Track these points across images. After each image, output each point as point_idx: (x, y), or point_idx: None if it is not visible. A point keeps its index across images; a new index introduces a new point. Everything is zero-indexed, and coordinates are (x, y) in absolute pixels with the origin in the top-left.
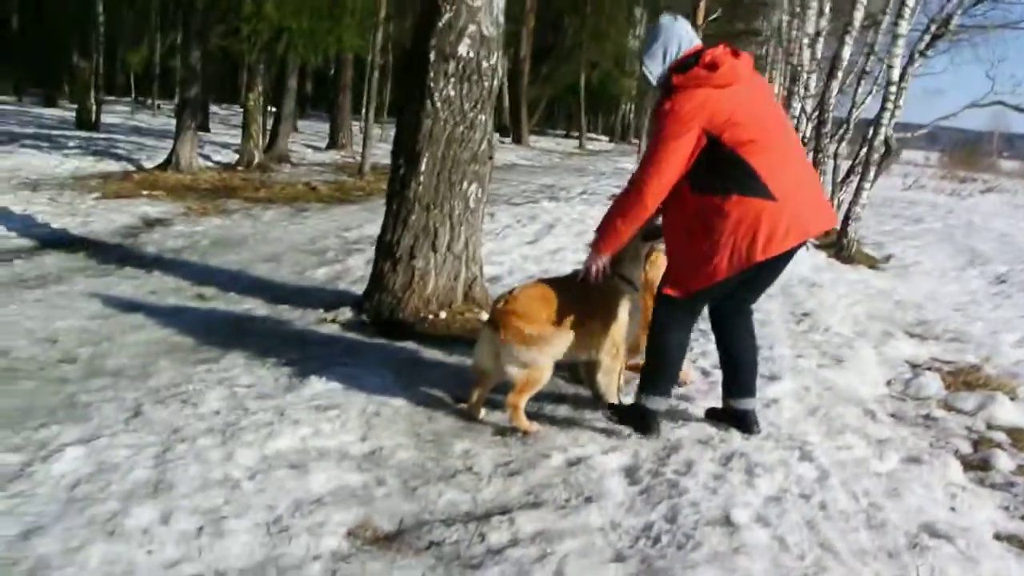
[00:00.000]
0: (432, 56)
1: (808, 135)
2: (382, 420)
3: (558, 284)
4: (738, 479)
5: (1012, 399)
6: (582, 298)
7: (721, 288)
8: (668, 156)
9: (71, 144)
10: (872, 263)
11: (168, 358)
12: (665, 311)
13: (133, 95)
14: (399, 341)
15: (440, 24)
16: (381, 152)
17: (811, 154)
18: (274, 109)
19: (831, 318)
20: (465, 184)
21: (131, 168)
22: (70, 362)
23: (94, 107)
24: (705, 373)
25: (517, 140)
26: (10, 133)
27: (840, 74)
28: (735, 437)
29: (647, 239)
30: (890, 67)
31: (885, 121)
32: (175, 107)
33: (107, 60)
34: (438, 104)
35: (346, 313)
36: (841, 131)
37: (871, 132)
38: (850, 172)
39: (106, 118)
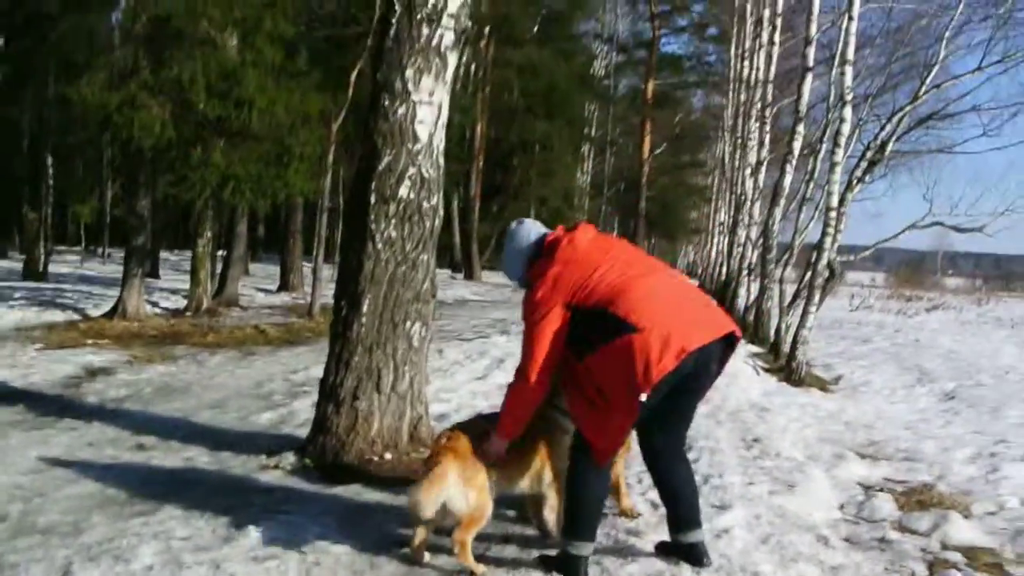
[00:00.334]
0: (373, 198)
1: (754, 261)
2: (322, 570)
3: (496, 419)
4: None
5: (966, 517)
6: (521, 433)
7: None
8: (538, 337)
9: (16, 295)
10: (822, 385)
11: (102, 512)
12: (582, 466)
13: (83, 244)
14: (343, 485)
15: (380, 167)
16: (332, 292)
17: (757, 280)
18: (223, 253)
19: (782, 442)
20: (408, 323)
21: (77, 317)
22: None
23: (42, 257)
24: (654, 505)
25: (469, 276)
26: None
27: (783, 201)
28: (685, 571)
29: None
30: (830, 193)
31: (827, 246)
32: (124, 255)
33: (57, 211)
34: (379, 245)
35: (289, 458)
36: (786, 256)
37: (814, 256)
38: (796, 296)
39: (56, 267)
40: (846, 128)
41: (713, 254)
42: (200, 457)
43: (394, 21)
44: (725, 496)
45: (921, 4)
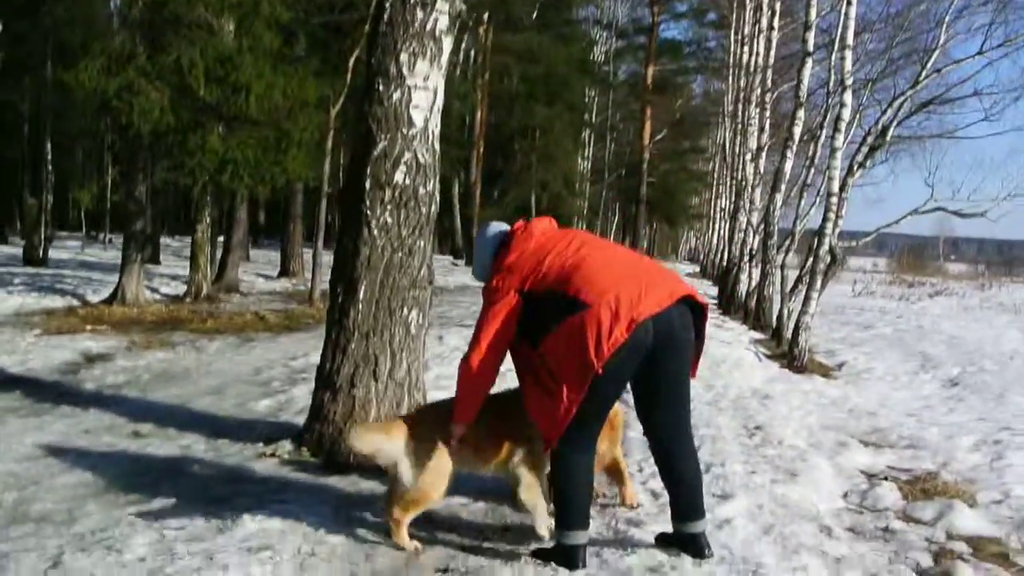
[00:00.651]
0: (368, 184)
1: (755, 247)
2: (317, 560)
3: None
4: None
5: (971, 506)
6: (498, 413)
7: (594, 408)
8: (486, 321)
9: (16, 281)
10: (825, 372)
11: (96, 501)
12: (564, 460)
13: (84, 230)
14: (340, 474)
15: (375, 153)
16: None
17: (759, 266)
18: (224, 239)
19: (784, 430)
20: (405, 310)
21: (76, 303)
22: None
23: (42, 243)
24: (655, 495)
25: (470, 262)
26: None
27: (783, 187)
28: (686, 563)
29: None
30: (830, 179)
31: (829, 231)
32: (123, 241)
33: (58, 196)
34: (375, 232)
35: (286, 446)
36: (787, 242)
37: (816, 242)
38: (798, 282)
39: (56, 253)
40: (846, 113)
41: (714, 240)
42: (197, 445)
43: (388, 5)
44: (727, 485)
45: None
